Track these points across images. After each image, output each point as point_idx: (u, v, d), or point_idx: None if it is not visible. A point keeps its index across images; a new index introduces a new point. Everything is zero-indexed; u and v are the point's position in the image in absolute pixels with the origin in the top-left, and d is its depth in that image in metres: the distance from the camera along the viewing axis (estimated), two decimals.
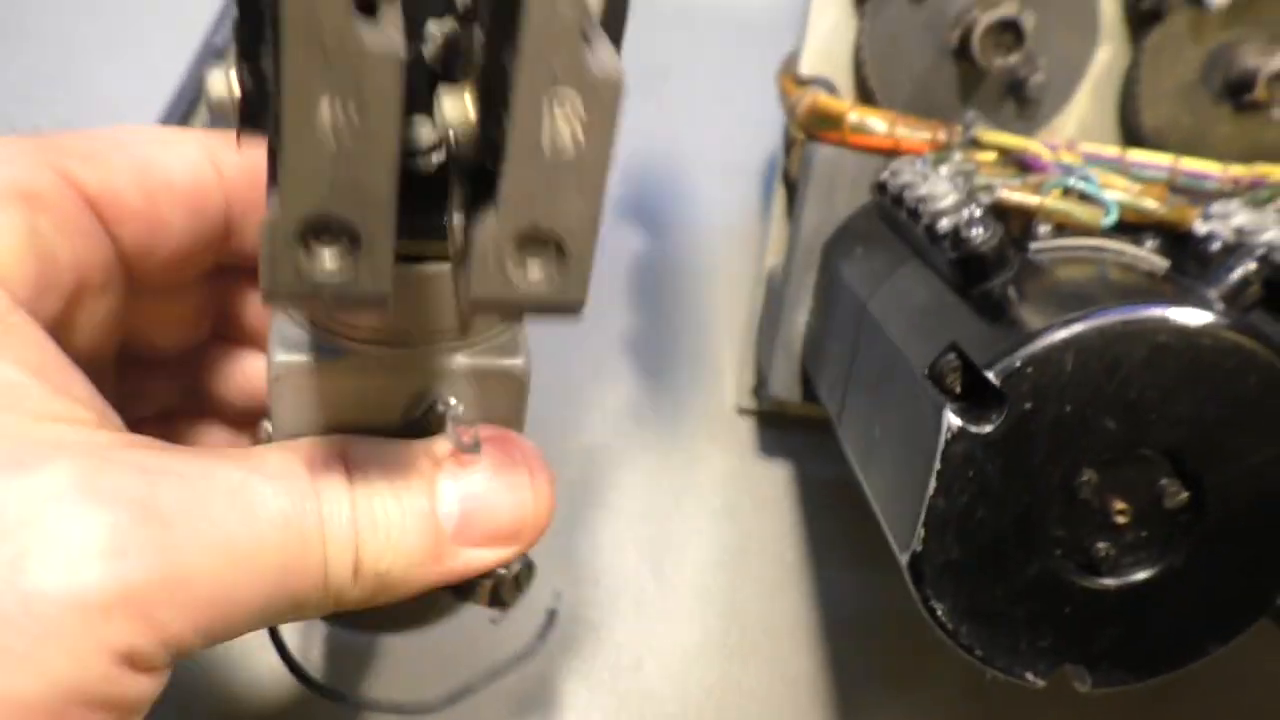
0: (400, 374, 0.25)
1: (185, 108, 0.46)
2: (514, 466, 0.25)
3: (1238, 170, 0.37)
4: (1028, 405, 0.24)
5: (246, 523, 0.21)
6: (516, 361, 0.26)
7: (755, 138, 0.50)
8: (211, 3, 0.49)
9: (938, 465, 0.25)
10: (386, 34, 0.16)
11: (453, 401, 0.25)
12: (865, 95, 0.39)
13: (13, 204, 0.22)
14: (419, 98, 0.19)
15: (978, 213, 0.28)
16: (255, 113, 0.19)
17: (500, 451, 0.25)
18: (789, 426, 0.44)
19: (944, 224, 0.28)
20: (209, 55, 0.47)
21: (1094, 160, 0.36)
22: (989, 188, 0.29)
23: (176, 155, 0.25)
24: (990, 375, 0.24)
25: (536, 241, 0.18)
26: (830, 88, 0.39)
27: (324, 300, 0.18)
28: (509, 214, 0.18)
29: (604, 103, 0.17)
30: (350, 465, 0.23)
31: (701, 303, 0.48)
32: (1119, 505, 0.26)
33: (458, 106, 0.19)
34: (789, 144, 0.40)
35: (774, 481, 0.43)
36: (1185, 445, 0.25)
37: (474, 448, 0.24)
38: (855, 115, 0.36)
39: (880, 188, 0.34)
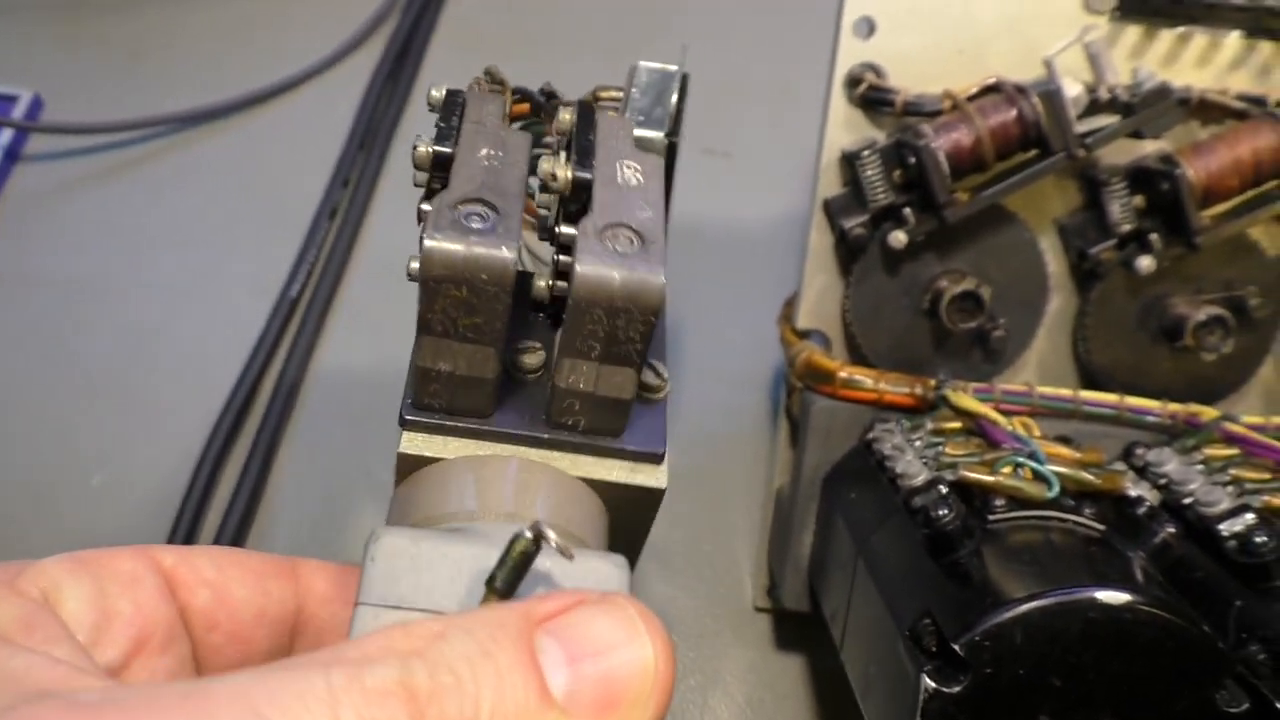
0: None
1: (267, 352, 0.53)
2: (627, 620, 0.22)
3: (1175, 407, 0.43)
4: (988, 670, 0.30)
5: None
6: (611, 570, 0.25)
7: (760, 349, 0.57)
8: (285, 264, 0.57)
9: (918, 718, 0.31)
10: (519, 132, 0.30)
11: (551, 535, 0.22)
12: (853, 346, 0.46)
13: (92, 574, 0.27)
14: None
15: (944, 491, 0.34)
16: (442, 165, 0.28)
17: (610, 604, 0.22)
18: (802, 622, 0.50)
19: (917, 501, 0.34)
20: (285, 306, 0.55)
21: (1049, 402, 0.43)
22: (953, 466, 0.35)
23: (254, 555, 0.30)
24: (956, 647, 0.30)
25: (619, 229, 0.26)
26: (824, 339, 0.46)
27: (467, 261, 0.25)
28: (599, 215, 0.27)
29: (651, 162, 0.29)
30: (421, 633, 0.21)
31: (719, 508, 0.54)
32: None
33: (561, 168, 0.29)
34: (789, 388, 0.47)
35: (792, 675, 0.49)
36: (1120, 696, 0.31)
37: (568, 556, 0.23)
38: (845, 373, 0.43)
39: (867, 446, 0.41)
